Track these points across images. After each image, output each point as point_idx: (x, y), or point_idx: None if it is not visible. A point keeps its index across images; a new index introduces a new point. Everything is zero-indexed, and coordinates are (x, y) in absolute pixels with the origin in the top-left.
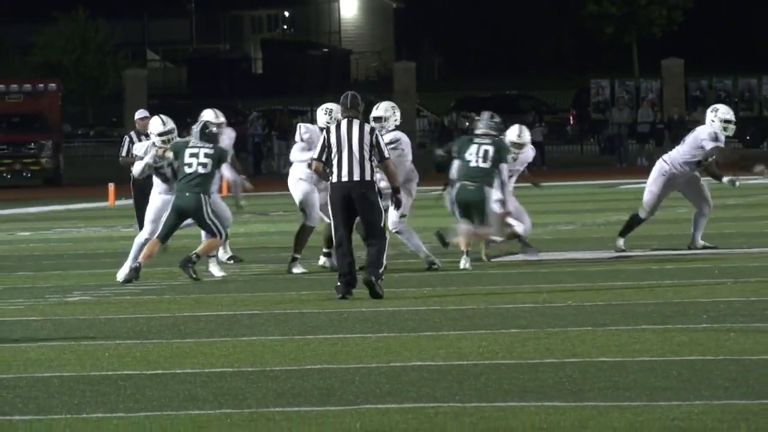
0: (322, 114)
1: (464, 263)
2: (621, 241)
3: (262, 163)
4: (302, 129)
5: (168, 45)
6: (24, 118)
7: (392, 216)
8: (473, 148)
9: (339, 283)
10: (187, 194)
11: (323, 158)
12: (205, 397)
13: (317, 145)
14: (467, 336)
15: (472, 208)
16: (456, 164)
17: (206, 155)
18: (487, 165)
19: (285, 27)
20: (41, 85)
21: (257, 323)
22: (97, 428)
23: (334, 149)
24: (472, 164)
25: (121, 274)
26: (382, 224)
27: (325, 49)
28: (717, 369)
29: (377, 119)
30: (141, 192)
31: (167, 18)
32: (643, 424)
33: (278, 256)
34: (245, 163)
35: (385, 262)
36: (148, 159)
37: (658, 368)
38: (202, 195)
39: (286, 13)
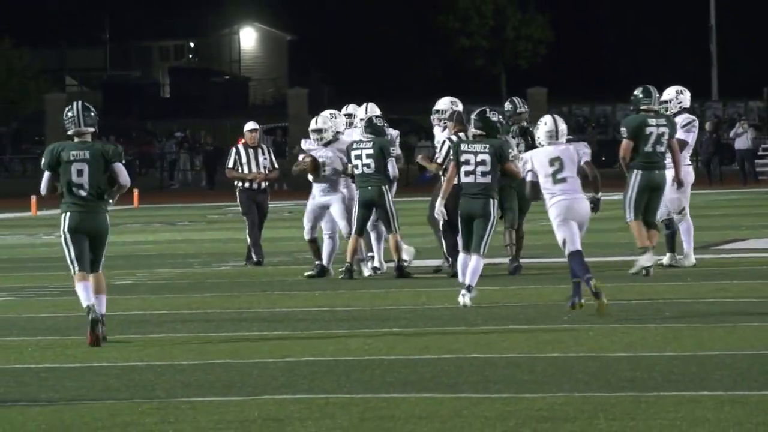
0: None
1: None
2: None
3: (174, 177)
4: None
5: (84, 71)
6: None
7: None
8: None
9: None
10: (369, 187)
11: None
12: (118, 387)
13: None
14: (354, 334)
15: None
16: None
17: (368, 155)
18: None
19: (190, 56)
20: None
21: (165, 321)
22: (20, 415)
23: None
24: None
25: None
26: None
27: (226, 77)
28: (577, 364)
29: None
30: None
31: (84, 47)
32: (511, 414)
33: (184, 262)
34: (151, 178)
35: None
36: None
37: (524, 364)
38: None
39: (192, 44)
